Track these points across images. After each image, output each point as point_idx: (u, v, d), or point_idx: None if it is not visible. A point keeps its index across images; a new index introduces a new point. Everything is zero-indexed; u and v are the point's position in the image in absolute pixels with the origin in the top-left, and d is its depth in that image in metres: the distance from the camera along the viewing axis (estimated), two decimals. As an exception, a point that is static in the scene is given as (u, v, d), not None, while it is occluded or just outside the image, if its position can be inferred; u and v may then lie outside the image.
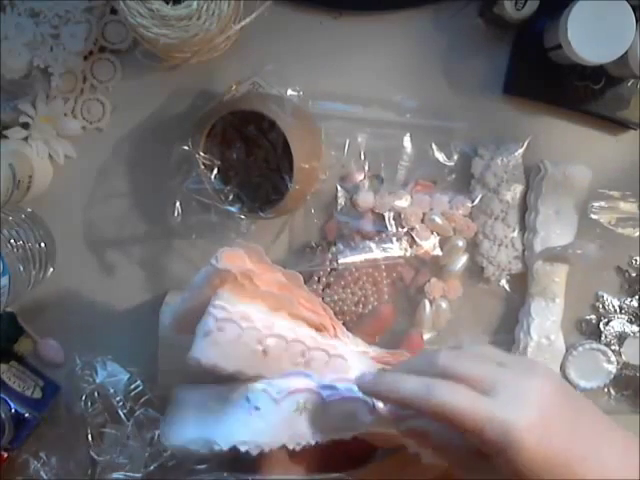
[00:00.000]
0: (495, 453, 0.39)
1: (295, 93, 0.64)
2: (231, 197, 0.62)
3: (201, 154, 0.60)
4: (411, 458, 0.48)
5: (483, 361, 0.43)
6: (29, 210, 0.67)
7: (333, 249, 0.66)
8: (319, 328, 0.48)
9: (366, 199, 0.66)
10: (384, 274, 0.67)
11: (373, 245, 0.66)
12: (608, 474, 0.40)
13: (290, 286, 0.48)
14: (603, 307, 0.69)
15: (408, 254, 0.66)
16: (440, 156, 0.67)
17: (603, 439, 0.41)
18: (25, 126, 0.65)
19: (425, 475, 0.49)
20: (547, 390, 0.41)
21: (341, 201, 0.67)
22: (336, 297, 0.67)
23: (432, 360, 0.43)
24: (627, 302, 0.69)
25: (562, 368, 0.69)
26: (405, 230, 0.66)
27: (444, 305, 0.68)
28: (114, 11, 0.64)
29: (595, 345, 0.68)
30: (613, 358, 0.68)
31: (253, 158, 0.66)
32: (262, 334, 0.44)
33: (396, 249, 0.66)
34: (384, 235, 0.66)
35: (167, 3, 0.55)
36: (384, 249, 0.66)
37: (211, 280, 0.46)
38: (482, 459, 0.40)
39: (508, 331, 0.69)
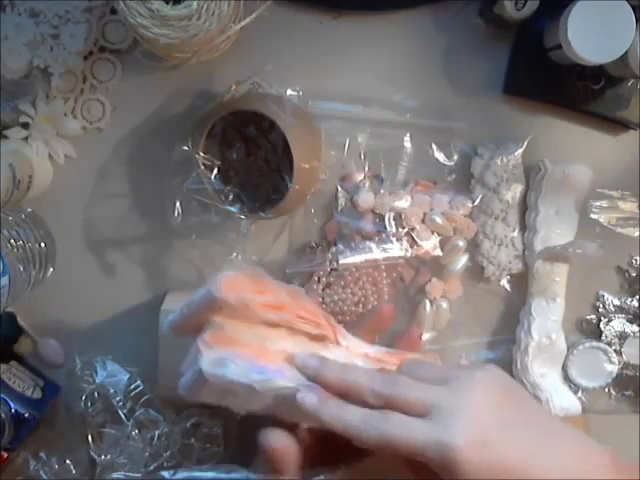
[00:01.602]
0: (441, 472, 0.40)
1: (295, 93, 0.64)
2: (231, 197, 0.62)
3: (201, 154, 0.60)
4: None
5: (419, 384, 0.43)
6: (29, 210, 0.67)
7: (333, 249, 0.66)
8: (320, 339, 0.48)
9: (366, 199, 0.66)
10: (384, 274, 0.67)
11: (373, 245, 0.66)
12: (553, 475, 0.40)
13: (291, 301, 0.48)
14: (604, 307, 0.69)
15: (408, 254, 0.66)
16: (440, 156, 0.67)
17: (549, 441, 0.42)
18: (25, 126, 0.65)
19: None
20: (484, 401, 0.41)
21: (341, 202, 0.67)
22: (336, 297, 0.67)
23: (370, 388, 0.43)
24: (627, 302, 0.69)
25: (563, 367, 0.68)
26: (405, 230, 0.66)
27: (444, 305, 0.68)
28: (114, 11, 0.64)
29: (596, 344, 0.68)
30: (615, 358, 0.68)
31: (253, 158, 0.66)
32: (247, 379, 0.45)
33: (396, 249, 0.66)
34: (384, 235, 0.66)
35: (167, 3, 0.55)
36: (384, 249, 0.66)
37: (209, 304, 0.46)
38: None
39: (508, 331, 0.69)
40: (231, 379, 0.44)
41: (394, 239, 0.66)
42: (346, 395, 0.44)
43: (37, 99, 0.64)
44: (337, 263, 0.65)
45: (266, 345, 0.46)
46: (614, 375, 0.68)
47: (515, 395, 0.44)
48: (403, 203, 0.66)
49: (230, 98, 0.64)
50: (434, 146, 0.67)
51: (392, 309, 0.55)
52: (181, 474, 0.52)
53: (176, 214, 0.63)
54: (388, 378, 0.44)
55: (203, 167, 0.61)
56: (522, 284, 0.68)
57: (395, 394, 0.42)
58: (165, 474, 0.51)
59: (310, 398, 0.44)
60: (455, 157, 0.67)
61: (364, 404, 0.43)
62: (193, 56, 0.60)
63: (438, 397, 0.42)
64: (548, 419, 0.44)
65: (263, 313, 0.46)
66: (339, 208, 0.67)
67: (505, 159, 0.66)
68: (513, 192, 0.66)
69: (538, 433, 0.42)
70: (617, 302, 0.69)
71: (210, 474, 0.52)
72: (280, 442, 0.45)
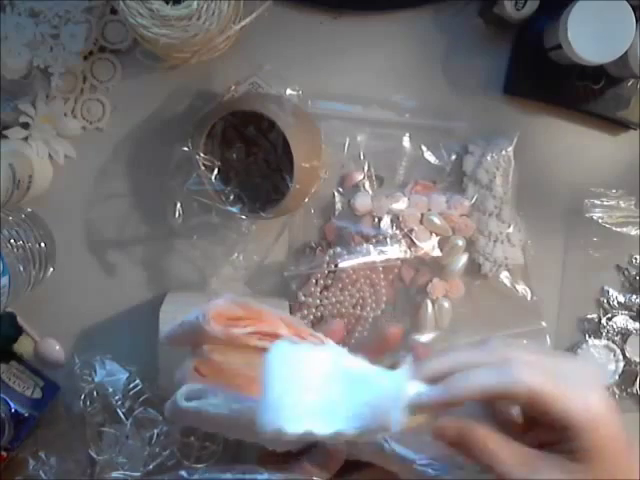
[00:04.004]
0: (573, 434, 0.40)
1: (295, 93, 0.64)
2: (232, 198, 0.62)
3: (201, 155, 0.60)
4: None
5: (537, 351, 0.44)
6: (29, 210, 0.67)
7: (331, 251, 0.66)
8: None
9: (364, 203, 0.66)
10: (381, 276, 0.67)
11: (372, 248, 0.66)
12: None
13: (286, 328, 0.46)
14: (608, 303, 0.69)
15: (407, 256, 0.66)
16: (439, 156, 0.67)
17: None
18: (25, 126, 0.65)
19: None
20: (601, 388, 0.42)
21: (338, 206, 0.67)
22: (334, 299, 0.66)
23: (489, 349, 0.43)
24: (632, 299, 0.69)
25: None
26: (404, 232, 0.66)
27: (446, 305, 0.68)
28: (114, 11, 0.64)
29: (599, 342, 0.68)
30: (620, 355, 0.68)
31: (253, 158, 0.66)
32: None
33: (395, 251, 0.66)
34: (383, 238, 0.66)
35: (167, 3, 0.55)
36: (383, 251, 0.66)
37: (198, 331, 0.45)
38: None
39: (511, 326, 0.69)
40: (207, 411, 0.43)
41: (393, 241, 0.66)
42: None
43: (37, 99, 0.65)
44: (335, 265, 0.65)
45: (257, 373, 0.43)
46: (619, 373, 0.69)
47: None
48: (400, 205, 0.66)
49: (230, 98, 0.64)
50: (434, 146, 0.67)
51: (401, 331, 0.54)
52: (199, 474, 0.52)
53: (177, 215, 0.63)
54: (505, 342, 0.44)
55: (203, 168, 0.61)
56: (521, 277, 0.68)
57: (521, 355, 0.43)
58: (183, 473, 0.51)
59: (423, 395, 0.42)
60: (454, 157, 0.67)
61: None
62: (193, 56, 0.60)
63: (562, 366, 0.42)
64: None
65: (255, 342, 0.45)
66: (336, 213, 0.67)
67: (496, 155, 0.66)
68: (505, 188, 0.66)
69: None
70: (621, 298, 0.69)
71: (228, 475, 0.52)
72: None
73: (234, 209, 0.61)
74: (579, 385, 0.41)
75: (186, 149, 0.61)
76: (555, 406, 0.40)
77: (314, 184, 0.64)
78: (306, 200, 0.64)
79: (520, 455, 0.42)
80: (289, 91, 0.64)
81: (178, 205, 0.63)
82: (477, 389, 0.41)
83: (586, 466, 0.41)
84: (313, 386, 0.40)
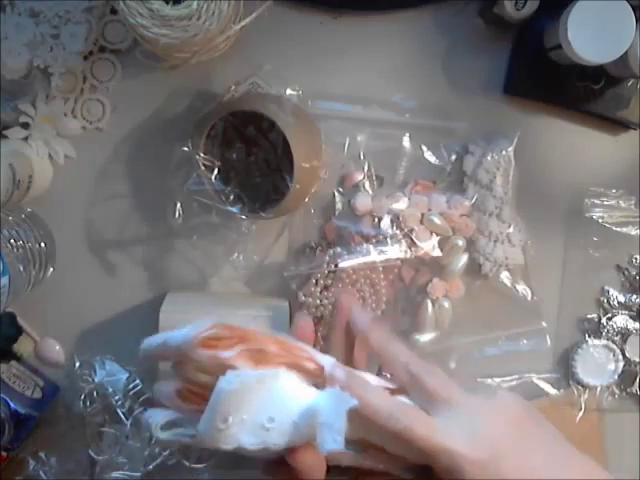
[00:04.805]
0: (443, 474, 0.42)
1: (295, 93, 0.64)
2: (232, 198, 0.62)
3: (201, 155, 0.60)
4: None
5: (450, 380, 0.45)
6: (29, 210, 0.67)
7: (331, 251, 0.66)
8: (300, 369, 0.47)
9: (364, 203, 0.66)
10: (382, 276, 0.67)
11: (372, 248, 0.66)
12: None
13: (279, 349, 0.46)
14: (608, 302, 0.69)
15: (408, 256, 0.66)
16: (440, 156, 0.67)
17: (557, 469, 0.42)
18: (25, 126, 0.65)
19: None
20: (503, 421, 0.43)
21: (339, 206, 0.67)
22: (333, 299, 0.66)
23: (406, 363, 0.45)
24: (632, 299, 0.69)
25: (569, 366, 0.69)
26: (404, 232, 0.66)
27: (446, 305, 0.68)
28: (114, 11, 0.64)
29: (600, 342, 0.69)
30: (620, 355, 0.68)
31: (253, 158, 0.66)
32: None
33: (395, 251, 0.66)
34: (383, 238, 0.66)
35: (167, 3, 0.55)
36: (383, 251, 0.66)
37: (183, 353, 0.44)
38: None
39: (510, 327, 0.69)
40: (181, 440, 0.44)
41: (393, 241, 0.66)
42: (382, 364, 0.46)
43: (37, 99, 0.65)
44: (335, 265, 0.65)
45: None
46: (619, 373, 0.69)
47: (533, 419, 0.45)
48: (401, 205, 0.66)
49: (230, 98, 0.64)
50: (434, 146, 0.67)
51: (309, 325, 0.52)
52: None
53: (177, 215, 0.63)
54: (425, 363, 0.45)
55: (203, 168, 0.61)
56: (521, 277, 0.68)
57: (425, 378, 0.44)
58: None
59: (340, 372, 0.44)
60: (453, 157, 0.67)
61: (392, 379, 0.46)
62: (193, 56, 0.60)
63: (462, 397, 0.44)
64: (563, 447, 0.44)
65: (241, 363, 0.44)
66: (337, 213, 0.67)
67: (496, 155, 0.66)
68: (506, 188, 0.66)
69: (552, 462, 0.43)
70: (621, 298, 0.69)
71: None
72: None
73: (234, 209, 0.61)
74: (466, 433, 0.41)
75: (186, 149, 0.61)
76: (427, 452, 0.41)
77: (314, 184, 0.64)
78: (306, 200, 0.64)
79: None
80: (289, 91, 0.64)
81: (178, 205, 0.63)
82: (365, 403, 0.42)
83: None
84: (250, 407, 0.42)
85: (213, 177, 0.61)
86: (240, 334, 0.45)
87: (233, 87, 0.65)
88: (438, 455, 0.41)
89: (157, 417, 0.44)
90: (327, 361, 0.46)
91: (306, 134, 0.61)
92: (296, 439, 0.43)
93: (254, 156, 0.66)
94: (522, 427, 0.43)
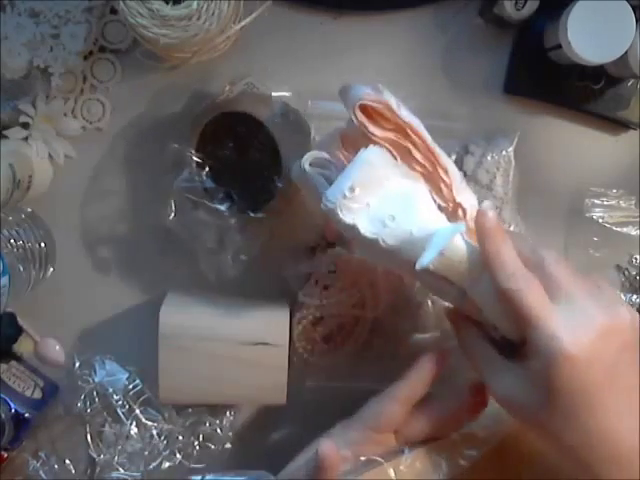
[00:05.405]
0: (532, 354, 0.42)
1: (294, 93, 0.64)
2: (221, 196, 0.62)
3: (193, 152, 0.60)
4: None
5: (577, 278, 0.45)
6: (29, 210, 0.67)
7: (331, 251, 0.66)
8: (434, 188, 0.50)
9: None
10: (382, 276, 0.66)
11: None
12: (617, 436, 0.42)
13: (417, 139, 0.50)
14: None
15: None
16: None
17: (631, 404, 0.43)
18: (25, 126, 0.65)
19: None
20: (611, 337, 0.43)
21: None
22: (333, 299, 0.66)
23: (538, 255, 0.46)
24: (632, 299, 0.69)
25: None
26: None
27: (447, 305, 0.67)
28: (114, 11, 0.64)
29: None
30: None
31: (245, 158, 0.66)
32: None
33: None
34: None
35: (167, 3, 0.55)
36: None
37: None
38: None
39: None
40: (315, 180, 0.48)
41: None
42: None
43: (37, 99, 0.65)
44: (335, 265, 0.65)
45: None
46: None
47: (634, 347, 0.45)
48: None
49: (224, 98, 0.64)
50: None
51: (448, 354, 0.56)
52: (210, 477, 0.53)
53: (173, 214, 0.63)
54: (558, 255, 0.47)
55: (195, 166, 0.61)
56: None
57: (555, 267, 0.45)
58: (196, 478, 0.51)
59: (492, 214, 0.45)
60: (453, 157, 0.67)
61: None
62: (193, 56, 0.60)
63: (584, 298, 0.44)
64: None
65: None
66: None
67: (496, 155, 0.66)
68: (506, 188, 0.66)
69: (630, 395, 0.43)
70: (622, 298, 0.69)
71: (241, 478, 0.52)
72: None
73: (223, 207, 0.61)
74: (575, 324, 0.42)
75: (176, 146, 0.60)
76: (532, 324, 0.42)
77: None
78: (302, 199, 0.64)
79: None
80: (288, 91, 0.64)
81: (174, 204, 0.63)
82: (494, 252, 0.44)
83: (540, 397, 0.42)
84: (379, 194, 0.45)
85: (204, 175, 0.61)
86: (400, 125, 0.48)
87: (228, 87, 0.65)
88: (538, 331, 0.42)
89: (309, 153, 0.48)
90: (473, 202, 0.49)
91: (295, 134, 0.61)
92: (403, 250, 0.45)
93: (246, 156, 0.66)
94: (625, 351, 0.43)
